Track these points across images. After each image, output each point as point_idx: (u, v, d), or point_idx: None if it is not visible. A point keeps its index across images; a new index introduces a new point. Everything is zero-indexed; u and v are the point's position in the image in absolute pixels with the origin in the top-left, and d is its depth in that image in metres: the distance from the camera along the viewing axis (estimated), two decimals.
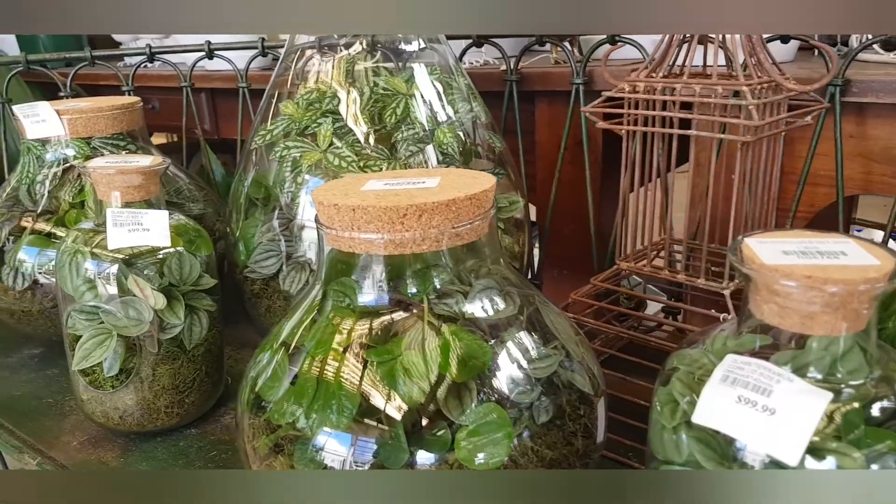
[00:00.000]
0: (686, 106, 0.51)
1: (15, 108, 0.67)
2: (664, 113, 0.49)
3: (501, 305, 0.39)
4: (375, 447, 0.36)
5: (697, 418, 0.30)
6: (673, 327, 0.68)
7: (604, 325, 0.56)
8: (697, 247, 0.56)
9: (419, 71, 0.61)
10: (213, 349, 0.58)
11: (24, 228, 0.68)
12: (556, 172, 0.73)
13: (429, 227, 0.37)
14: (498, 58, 0.88)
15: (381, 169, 0.57)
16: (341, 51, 0.62)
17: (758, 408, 0.28)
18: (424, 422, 0.37)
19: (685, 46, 0.52)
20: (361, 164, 0.57)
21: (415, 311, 0.39)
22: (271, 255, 0.59)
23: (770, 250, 0.30)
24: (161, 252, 0.54)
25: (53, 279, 0.66)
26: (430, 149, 0.59)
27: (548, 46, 0.77)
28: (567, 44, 0.71)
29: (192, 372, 0.57)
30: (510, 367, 0.38)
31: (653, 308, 0.83)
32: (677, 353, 0.35)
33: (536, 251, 0.79)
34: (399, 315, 0.39)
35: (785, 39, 0.60)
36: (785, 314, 0.29)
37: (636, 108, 0.51)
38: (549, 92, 0.77)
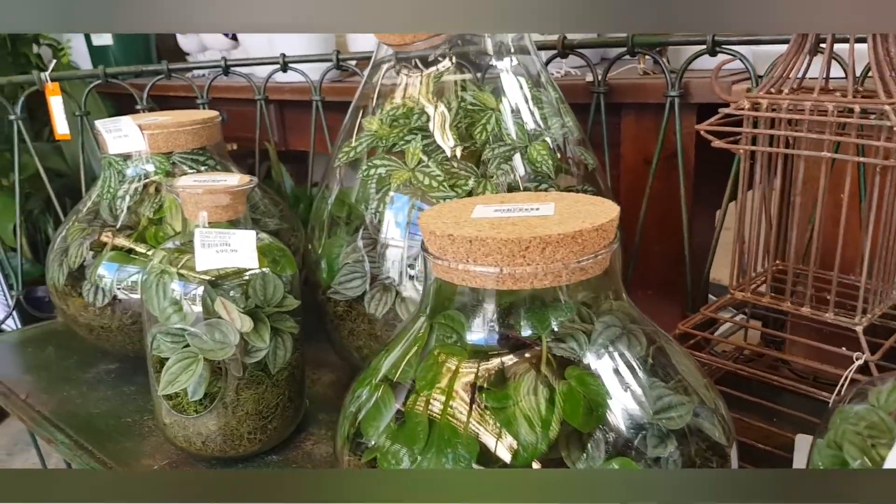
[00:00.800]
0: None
1: (98, 122, 0.66)
2: (795, 133, 0.45)
3: (626, 347, 0.36)
4: None
5: None
6: (775, 357, 0.63)
7: (715, 360, 0.52)
8: (823, 276, 0.51)
9: (508, 83, 0.58)
10: (296, 373, 0.57)
11: (103, 244, 0.67)
12: (646, 188, 0.69)
13: (552, 261, 0.34)
14: (577, 67, 0.85)
15: (469, 187, 0.55)
16: (416, 63, 0.59)
17: None
18: None
19: (807, 59, 0.48)
20: (451, 182, 0.55)
21: (528, 353, 0.36)
22: (356, 277, 0.57)
23: None
24: (247, 273, 0.53)
25: (133, 295, 0.66)
26: (518, 165, 0.57)
27: (633, 57, 0.73)
28: (657, 53, 0.67)
29: (275, 397, 0.55)
30: (639, 416, 0.35)
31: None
32: (839, 408, 0.31)
33: None
34: (513, 356, 0.36)
35: None
36: None
37: (755, 126, 0.47)
38: (637, 104, 0.73)
